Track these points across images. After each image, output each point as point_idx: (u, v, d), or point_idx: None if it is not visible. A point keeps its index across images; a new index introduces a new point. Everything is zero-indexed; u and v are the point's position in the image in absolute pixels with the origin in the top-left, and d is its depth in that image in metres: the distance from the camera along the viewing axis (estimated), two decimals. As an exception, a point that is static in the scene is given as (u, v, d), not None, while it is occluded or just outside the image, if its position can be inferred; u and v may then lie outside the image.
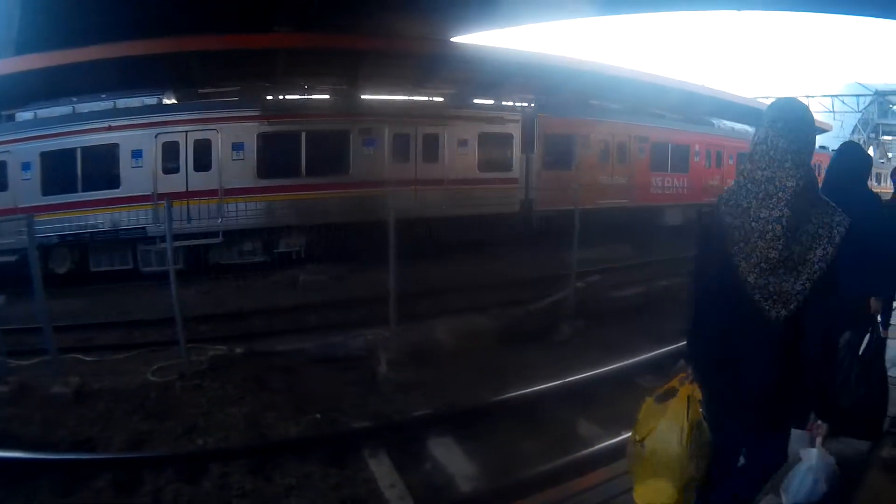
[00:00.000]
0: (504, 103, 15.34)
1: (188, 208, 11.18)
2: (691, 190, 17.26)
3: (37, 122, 12.56)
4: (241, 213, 11.13)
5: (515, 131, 13.76)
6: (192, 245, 11.23)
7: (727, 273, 1.88)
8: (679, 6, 14.63)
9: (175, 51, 12.16)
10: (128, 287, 10.10)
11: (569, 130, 14.49)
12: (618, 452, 3.77)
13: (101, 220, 12.04)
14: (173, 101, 12.76)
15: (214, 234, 11.54)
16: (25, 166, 11.82)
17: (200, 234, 11.18)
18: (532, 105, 15.30)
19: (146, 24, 12.02)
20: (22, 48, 13.02)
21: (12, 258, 11.17)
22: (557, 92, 15.31)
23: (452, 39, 13.84)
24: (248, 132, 11.80)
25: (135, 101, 12.35)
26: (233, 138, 11.63)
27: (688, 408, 2.02)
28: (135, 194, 11.50)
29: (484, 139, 13.45)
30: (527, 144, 13.85)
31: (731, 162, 18.59)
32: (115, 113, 12.04)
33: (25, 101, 12.54)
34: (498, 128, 13.61)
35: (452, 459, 4.29)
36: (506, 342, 6.36)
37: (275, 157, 12.19)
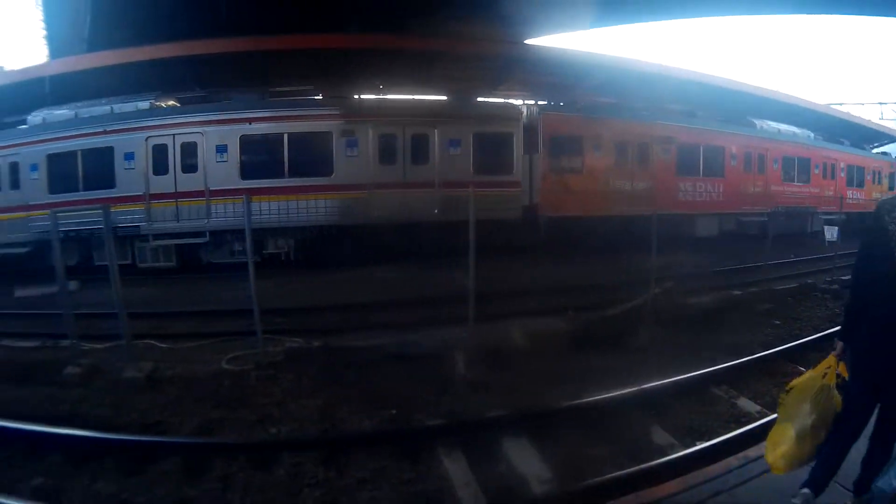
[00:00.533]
0: (506, 101, 14.96)
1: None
2: (728, 197, 15.58)
3: (45, 127, 13.34)
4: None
5: (517, 131, 12.89)
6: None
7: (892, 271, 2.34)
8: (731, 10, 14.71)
9: (260, 49, 12.58)
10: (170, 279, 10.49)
11: (578, 130, 13.38)
12: (690, 464, 3.77)
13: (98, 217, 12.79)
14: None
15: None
16: (32, 168, 12.84)
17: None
18: (537, 103, 14.65)
19: (211, 25, 12.13)
20: (93, 46, 13.70)
21: (24, 250, 12.79)
22: (636, 96, 14.83)
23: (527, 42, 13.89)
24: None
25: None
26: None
27: (825, 375, 2.63)
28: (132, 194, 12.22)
29: (480, 140, 12.66)
30: (530, 145, 13.00)
31: (775, 167, 16.93)
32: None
33: (96, 95, 13.02)
34: (496, 127, 12.82)
35: (526, 461, 4.21)
36: (581, 346, 6.25)
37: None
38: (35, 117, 14.19)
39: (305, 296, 9.11)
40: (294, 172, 12.21)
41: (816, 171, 17.95)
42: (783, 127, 17.83)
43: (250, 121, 12.46)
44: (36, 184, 13.22)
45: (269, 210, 11.74)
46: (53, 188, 13.06)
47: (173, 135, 12.55)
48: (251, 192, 11.42)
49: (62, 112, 14.04)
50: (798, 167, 17.51)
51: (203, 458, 4.40)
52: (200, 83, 14.29)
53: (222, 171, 12.37)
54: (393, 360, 5.77)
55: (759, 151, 16.66)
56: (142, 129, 12.77)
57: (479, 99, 14.88)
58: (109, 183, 12.76)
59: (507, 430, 4.49)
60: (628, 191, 13.61)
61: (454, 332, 6.34)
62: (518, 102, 14.94)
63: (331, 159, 12.13)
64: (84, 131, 13.13)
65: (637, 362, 5.90)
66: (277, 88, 14.53)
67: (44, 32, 16.51)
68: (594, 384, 5.25)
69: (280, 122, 12.45)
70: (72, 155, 13.03)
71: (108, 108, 13.58)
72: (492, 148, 12.66)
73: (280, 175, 12.21)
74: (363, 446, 4.44)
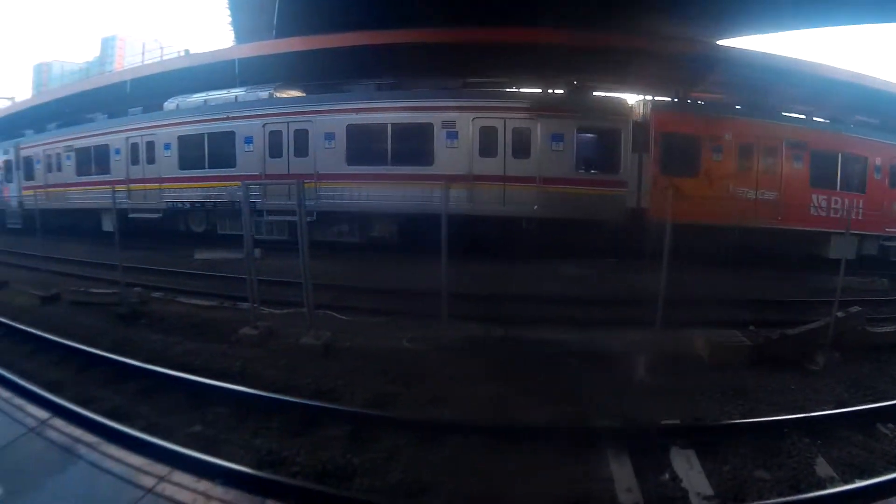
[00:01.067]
0: (615, 95, 13.72)
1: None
2: (868, 216, 12.93)
3: (177, 112, 14.95)
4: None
5: (625, 128, 11.84)
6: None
7: None
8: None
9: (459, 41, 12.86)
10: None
11: (694, 129, 11.92)
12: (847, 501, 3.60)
13: (220, 193, 13.96)
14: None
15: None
16: (166, 147, 14.47)
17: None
18: (649, 98, 13.36)
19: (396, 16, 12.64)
20: (281, 32, 14.97)
21: (157, 216, 14.73)
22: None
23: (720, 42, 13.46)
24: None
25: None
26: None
27: None
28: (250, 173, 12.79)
29: (584, 135, 11.90)
30: (640, 144, 11.88)
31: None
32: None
33: (280, 80, 13.90)
34: (602, 123, 11.89)
35: (689, 475, 3.99)
36: (757, 363, 5.92)
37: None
38: (170, 103, 15.68)
39: (482, 283, 8.86)
40: (397, 161, 12.26)
41: None
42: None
43: (357, 111, 12.74)
44: (169, 160, 14.70)
45: (374, 195, 12.12)
46: (183, 165, 14.45)
47: (287, 122, 13.18)
48: (357, 177, 12.38)
49: (194, 98, 15.40)
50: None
51: (371, 428, 4.45)
52: (386, 71, 14.45)
53: (331, 156, 12.82)
54: (574, 357, 5.63)
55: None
56: (259, 116, 13.51)
57: (594, 93, 13.77)
58: (230, 163, 13.74)
59: (676, 439, 4.30)
60: (751, 199, 12.09)
61: (637, 335, 6.07)
62: (635, 97, 13.84)
63: (432, 150, 12.08)
64: (209, 117, 14.27)
65: (810, 387, 5.49)
66: (470, 79, 14.53)
67: (229, 19, 18.24)
68: (765, 404, 5.04)
69: (385, 113, 12.49)
70: (199, 137, 14.20)
71: (232, 96, 14.57)
72: (597, 144, 11.94)
73: (384, 163, 12.33)
74: (531, 438, 4.33)
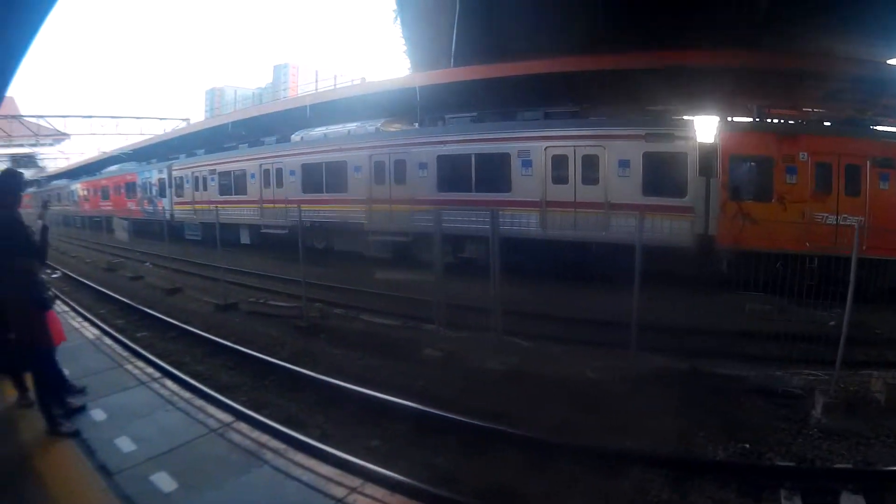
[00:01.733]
0: (682, 118, 12.79)
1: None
2: None
3: (301, 143, 17.09)
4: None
5: (690, 151, 11.09)
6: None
7: None
8: None
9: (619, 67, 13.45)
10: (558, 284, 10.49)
11: (766, 150, 10.73)
12: None
13: (334, 214, 15.43)
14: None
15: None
16: (291, 172, 16.24)
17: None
18: (719, 119, 12.44)
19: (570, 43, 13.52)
20: (458, 61, 16.37)
21: (283, 232, 16.37)
22: None
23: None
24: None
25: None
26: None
27: None
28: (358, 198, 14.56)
29: (650, 160, 11.30)
30: (707, 167, 11.09)
31: None
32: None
33: (458, 107, 14.66)
34: (668, 147, 11.20)
35: None
36: None
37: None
38: (296, 136, 17.66)
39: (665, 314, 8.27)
40: (480, 188, 12.88)
41: None
42: None
43: (444, 142, 13.63)
44: (293, 185, 16.34)
45: (461, 219, 12.27)
46: (305, 189, 16.05)
47: (388, 154, 14.54)
48: (446, 202, 12.83)
49: (315, 132, 17.34)
50: None
51: (550, 455, 4.36)
52: (564, 98, 14.93)
53: (424, 184, 13.82)
54: (753, 393, 5.47)
55: None
56: (367, 147, 14.99)
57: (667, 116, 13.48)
58: (343, 188, 15.23)
59: (846, 483, 4.12)
60: (832, 224, 10.64)
61: (815, 374, 5.84)
62: (705, 119, 13.40)
63: (509, 177, 12.46)
64: (323, 147, 16.03)
65: None
66: (650, 107, 14.53)
67: (404, 48, 20.02)
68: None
69: (468, 144, 13.23)
70: (319, 165, 15.79)
71: (345, 130, 16.07)
72: (662, 169, 11.21)
73: (468, 189, 12.94)
74: (711, 474, 4.21)
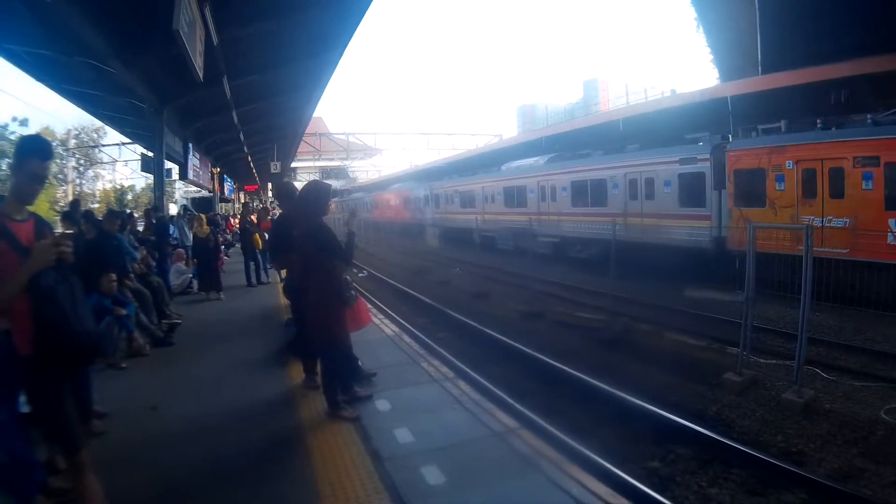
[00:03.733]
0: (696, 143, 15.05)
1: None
2: None
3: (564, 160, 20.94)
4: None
5: (706, 170, 13.90)
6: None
7: None
8: None
9: None
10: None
11: (757, 163, 12.71)
12: None
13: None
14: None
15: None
16: (563, 189, 19.64)
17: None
18: (725, 140, 14.26)
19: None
20: (766, 68, 17.08)
21: (555, 240, 20.21)
22: None
23: None
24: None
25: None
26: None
27: None
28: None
29: (682, 178, 14.73)
30: (718, 181, 13.59)
31: None
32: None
33: (772, 116, 15.55)
34: (691, 167, 14.28)
35: None
36: None
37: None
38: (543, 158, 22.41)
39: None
40: (591, 203, 18.29)
41: None
42: None
43: (573, 171, 19.64)
44: (564, 200, 19.33)
45: (577, 228, 18.69)
46: (574, 203, 18.91)
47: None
48: (572, 215, 19.09)
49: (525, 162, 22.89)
50: None
51: (830, 502, 4.30)
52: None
53: (566, 199, 19.48)
54: None
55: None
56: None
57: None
58: (603, 202, 17.78)
59: None
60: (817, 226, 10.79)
61: None
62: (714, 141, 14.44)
63: (606, 196, 17.39)
64: (592, 166, 18.99)
65: None
66: None
67: (710, 57, 21.18)
68: None
69: (583, 172, 19.16)
70: (582, 182, 18.72)
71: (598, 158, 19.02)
72: (689, 185, 14.59)
73: (585, 205, 18.41)
74: None
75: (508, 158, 26.52)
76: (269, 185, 38.67)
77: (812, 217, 11.20)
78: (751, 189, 12.93)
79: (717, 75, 21.02)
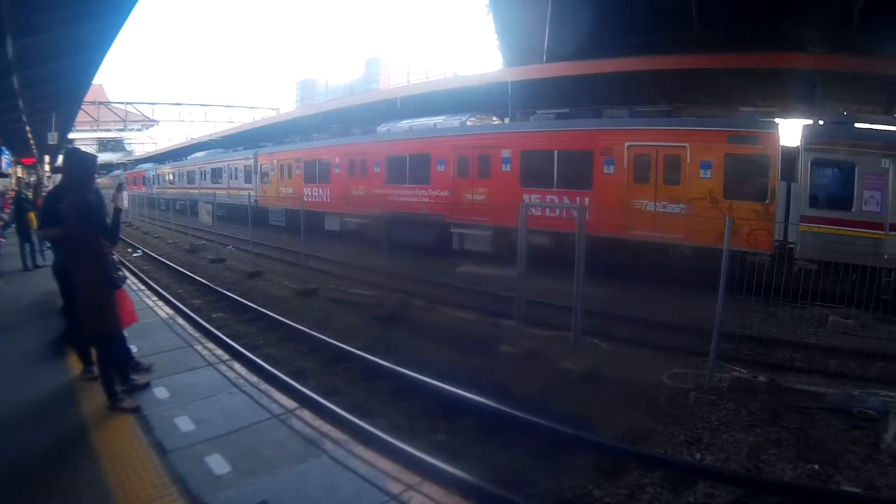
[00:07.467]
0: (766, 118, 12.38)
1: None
2: None
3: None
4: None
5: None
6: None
7: None
8: None
9: (710, 67, 13.84)
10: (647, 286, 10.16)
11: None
12: None
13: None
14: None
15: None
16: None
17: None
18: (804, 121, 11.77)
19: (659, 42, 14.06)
20: (550, 57, 17.07)
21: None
22: None
23: None
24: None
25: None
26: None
27: None
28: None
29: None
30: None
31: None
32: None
33: (545, 103, 15.44)
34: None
35: None
36: None
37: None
38: (382, 128, 18.65)
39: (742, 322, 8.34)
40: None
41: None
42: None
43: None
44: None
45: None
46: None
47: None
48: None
49: (401, 125, 18.30)
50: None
51: (619, 463, 4.36)
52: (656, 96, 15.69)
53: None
54: (829, 412, 5.34)
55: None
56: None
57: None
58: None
59: None
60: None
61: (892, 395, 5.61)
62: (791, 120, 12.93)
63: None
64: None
65: None
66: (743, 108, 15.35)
67: (497, 43, 20.69)
68: None
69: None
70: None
71: (431, 123, 16.98)
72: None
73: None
74: (776, 495, 4.14)
75: (286, 134, 25.89)
76: (47, 157, 36.55)
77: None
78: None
79: (502, 61, 22.10)
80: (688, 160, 11.37)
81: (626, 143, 12.12)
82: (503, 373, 6.33)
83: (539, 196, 13.24)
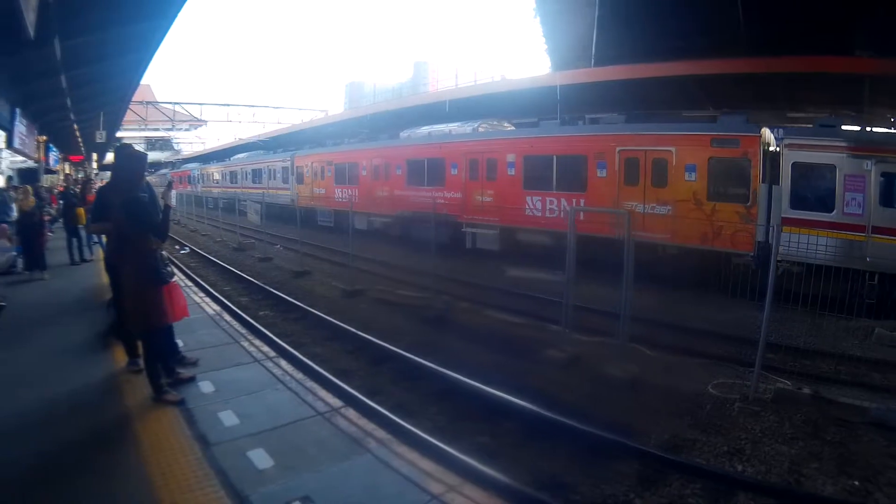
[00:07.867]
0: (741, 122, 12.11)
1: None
2: None
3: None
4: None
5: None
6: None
7: None
8: None
9: (757, 71, 13.99)
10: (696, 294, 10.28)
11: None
12: None
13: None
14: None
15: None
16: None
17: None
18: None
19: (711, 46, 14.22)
20: (598, 61, 17.38)
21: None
22: None
23: None
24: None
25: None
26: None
27: None
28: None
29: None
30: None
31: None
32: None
33: (594, 108, 15.80)
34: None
35: None
36: None
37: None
38: (404, 133, 19.79)
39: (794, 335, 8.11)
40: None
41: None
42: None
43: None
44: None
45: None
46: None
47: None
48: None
49: (421, 130, 19.11)
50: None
51: (661, 471, 4.42)
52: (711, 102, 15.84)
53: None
54: (872, 427, 5.34)
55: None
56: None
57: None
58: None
59: None
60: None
61: None
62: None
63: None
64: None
65: None
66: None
67: (545, 46, 21.19)
68: None
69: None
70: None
71: (447, 129, 17.60)
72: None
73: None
74: None
75: (334, 135, 26.65)
76: (94, 155, 37.51)
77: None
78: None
79: (550, 65, 22.22)
80: (673, 163, 11.76)
81: (617, 148, 12.63)
82: (549, 377, 6.43)
83: (540, 198, 14.21)
